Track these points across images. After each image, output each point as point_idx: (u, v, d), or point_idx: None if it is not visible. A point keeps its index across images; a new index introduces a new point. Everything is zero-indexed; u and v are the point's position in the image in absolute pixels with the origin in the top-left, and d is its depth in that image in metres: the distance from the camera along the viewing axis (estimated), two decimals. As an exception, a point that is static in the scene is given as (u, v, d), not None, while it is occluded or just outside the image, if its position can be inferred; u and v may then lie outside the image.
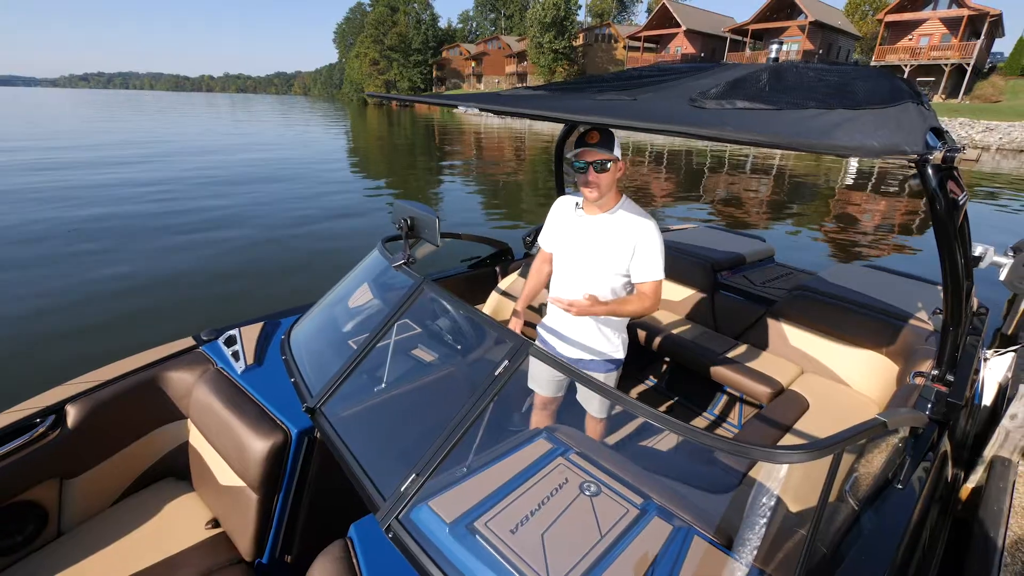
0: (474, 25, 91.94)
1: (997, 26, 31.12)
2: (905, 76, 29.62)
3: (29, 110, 45.97)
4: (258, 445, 1.66)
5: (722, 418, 3.05)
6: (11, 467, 1.64)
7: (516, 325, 2.06)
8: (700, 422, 2.77)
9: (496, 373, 1.37)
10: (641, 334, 3.19)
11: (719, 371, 2.76)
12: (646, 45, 43.78)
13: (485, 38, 71.03)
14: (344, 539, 1.27)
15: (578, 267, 1.91)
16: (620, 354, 1.99)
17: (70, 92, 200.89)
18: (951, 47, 28.51)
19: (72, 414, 1.79)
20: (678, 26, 40.50)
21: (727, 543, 1.16)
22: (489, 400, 1.35)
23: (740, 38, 39.04)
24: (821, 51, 35.61)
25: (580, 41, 50.88)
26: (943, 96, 29.24)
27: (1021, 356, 2.98)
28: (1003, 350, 2.50)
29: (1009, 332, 4.30)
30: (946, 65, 28.65)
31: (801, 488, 1.12)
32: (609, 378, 1.99)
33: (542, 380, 2.05)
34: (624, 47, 47.64)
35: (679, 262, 3.47)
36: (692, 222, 5.15)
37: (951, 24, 29.30)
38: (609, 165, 1.73)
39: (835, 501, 1.37)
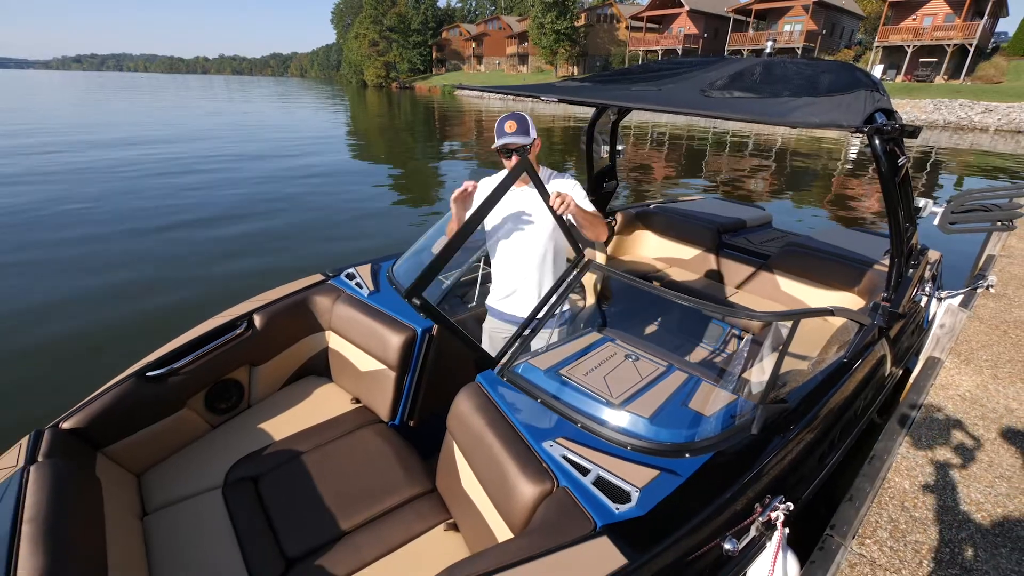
0: (474, 4, 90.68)
1: (1001, 6, 30.96)
2: (908, 57, 29.65)
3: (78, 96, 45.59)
4: (395, 338, 2.34)
5: (722, 349, 3.57)
6: (224, 353, 2.35)
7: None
8: (703, 352, 3.29)
9: (569, 280, 1.95)
10: (657, 285, 3.75)
11: (719, 313, 3.31)
12: (649, 25, 43.46)
13: (485, 18, 70.24)
14: (474, 383, 1.90)
15: (517, 236, 2.14)
16: (566, 307, 2.26)
17: (66, 74, 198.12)
18: (954, 27, 28.42)
19: (257, 320, 2.48)
20: (681, 6, 40.18)
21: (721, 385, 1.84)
22: (565, 295, 1.97)
23: (743, 18, 38.78)
24: (824, 31, 35.43)
25: (582, 21, 50.42)
26: (945, 77, 29.23)
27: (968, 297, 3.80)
28: (954, 292, 3.17)
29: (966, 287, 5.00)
30: (949, 46, 28.60)
31: (770, 349, 1.80)
32: (560, 331, 2.26)
33: (499, 341, 2.29)
34: (627, 27, 47.25)
35: (688, 226, 4.00)
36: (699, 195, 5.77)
37: (955, 3, 29.16)
38: (527, 148, 1.99)
39: (803, 370, 2.07)
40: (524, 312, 2.21)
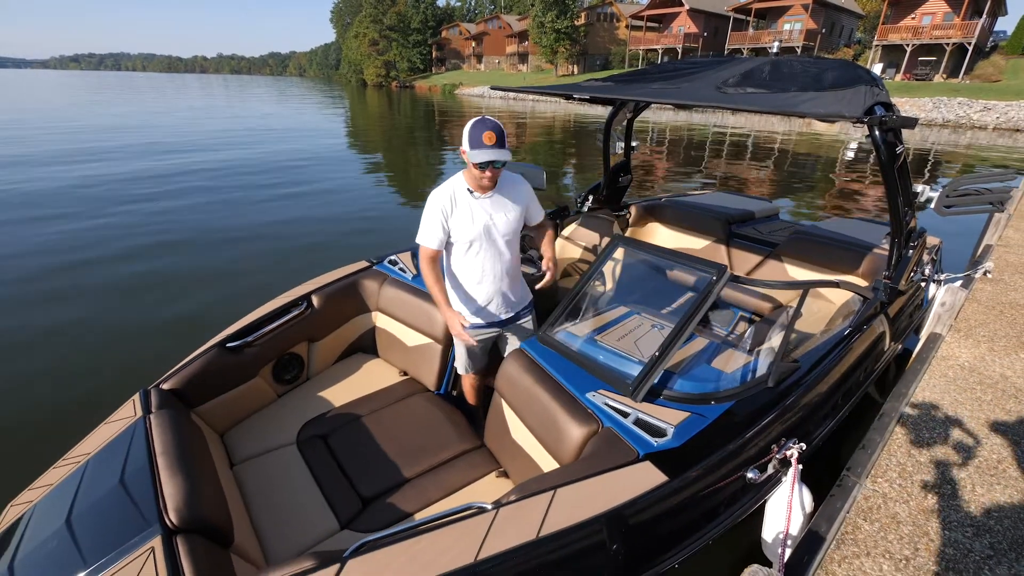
0: (473, 3, 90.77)
1: (1000, 4, 31.20)
2: (907, 55, 29.87)
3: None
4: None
5: (733, 331, 3.82)
6: (288, 329, 2.61)
7: (462, 332, 2.08)
8: (717, 334, 3.56)
9: (602, 250, 2.20)
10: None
11: (730, 297, 3.52)
12: (649, 24, 43.67)
13: (485, 17, 70.35)
14: (518, 349, 2.15)
15: (495, 240, 2.11)
16: (530, 297, 2.41)
17: (65, 74, 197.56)
18: (953, 26, 28.66)
19: (315, 300, 2.74)
20: (681, 5, 40.39)
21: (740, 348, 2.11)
22: (594, 273, 2.19)
23: (743, 17, 38.99)
24: (824, 30, 35.67)
25: (582, 20, 50.62)
26: (944, 76, 29.48)
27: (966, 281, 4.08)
28: (953, 275, 3.37)
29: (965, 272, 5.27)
30: (947, 44, 28.86)
31: (780, 325, 2.07)
32: (530, 319, 2.42)
33: (475, 352, 2.39)
34: (627, 26, 47.47)
35: (699, 218, 4.23)
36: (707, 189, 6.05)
37: (954, 2, 29.42)
38: (506, 161, 1.90)
39: (812, 338, 2.34)
40: (502, 315, 2.27)
